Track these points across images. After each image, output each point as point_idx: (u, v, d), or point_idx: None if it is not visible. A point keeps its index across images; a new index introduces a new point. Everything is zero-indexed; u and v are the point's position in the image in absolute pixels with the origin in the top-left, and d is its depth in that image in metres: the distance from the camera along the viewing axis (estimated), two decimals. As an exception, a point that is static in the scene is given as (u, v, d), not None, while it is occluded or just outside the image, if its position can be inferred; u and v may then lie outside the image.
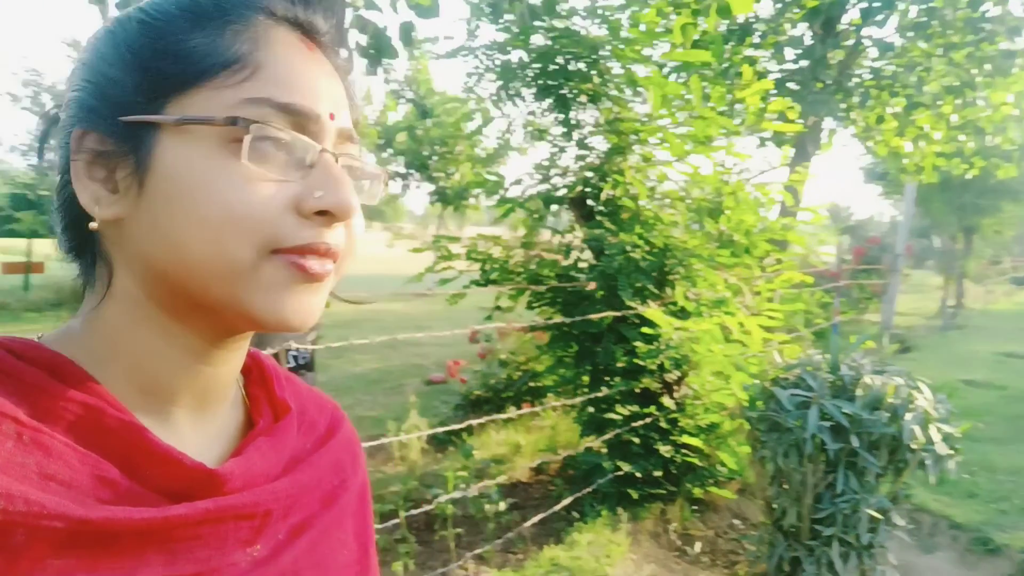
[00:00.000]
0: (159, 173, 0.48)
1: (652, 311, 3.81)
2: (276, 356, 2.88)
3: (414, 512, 3.11)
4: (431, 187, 18.03)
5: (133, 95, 0.49)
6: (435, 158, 17.01)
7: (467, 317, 6.21)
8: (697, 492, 4.06)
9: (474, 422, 3.45)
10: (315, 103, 0.51)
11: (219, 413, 0.58)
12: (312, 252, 0.49)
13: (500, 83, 4.35)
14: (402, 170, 18.54)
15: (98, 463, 0.47)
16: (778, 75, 8.04)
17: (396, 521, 3.17)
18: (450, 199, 17.08)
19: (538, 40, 4.01)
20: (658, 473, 3.96)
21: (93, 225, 0.49)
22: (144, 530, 0.47)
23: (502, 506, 3.56)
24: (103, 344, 0.52)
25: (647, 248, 4.04)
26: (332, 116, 0.52)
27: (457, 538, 3.49)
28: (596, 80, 3.93)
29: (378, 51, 3.52)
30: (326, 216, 0.50)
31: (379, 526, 2.82)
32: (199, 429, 0.56)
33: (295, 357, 2.96)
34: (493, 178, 4.72)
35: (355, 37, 3.53)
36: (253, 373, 0.63)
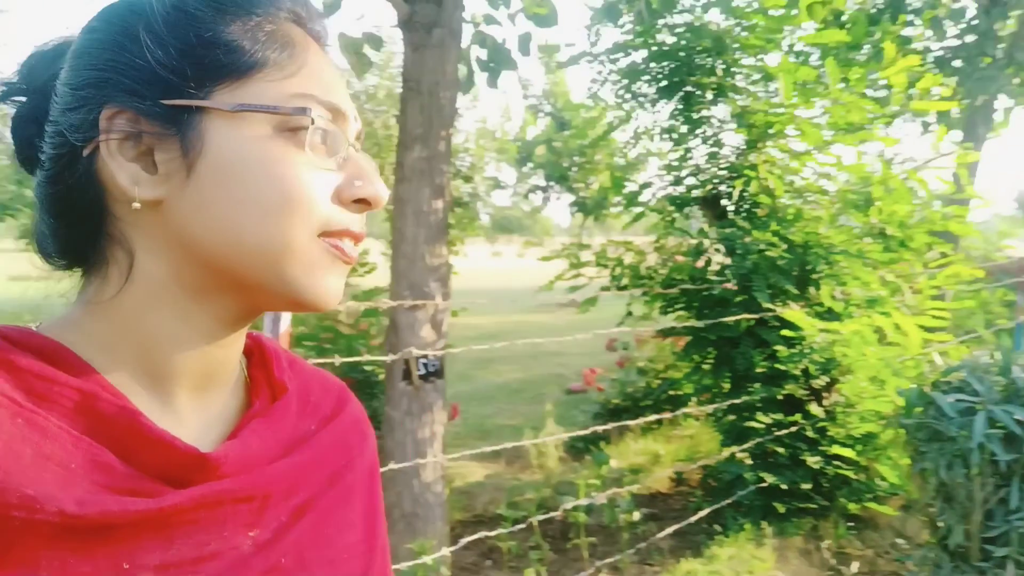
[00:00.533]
0: (213, 158, 0.50)
1: (792, 312, 3.58)
2: (406, 363, 2.98)
3: (545, 518, 3.11)
4: (572, 198, 18.07)
5: (179, 79, 0.50)
6: (574, 169, 17.06)
7: (607, 327, 6.15)
8: (853, 508, 3.75)
9: (608, 427, 3.40)
10: (345, 103, 0.55)
11: (221, 396, 0.58)
12: (350, 236, 0.54)
13: (624, 85, 4.29)
14: (542, 183, 18.74)
15: (93, 447, 0.47)
16: (939, 53, 7.35)
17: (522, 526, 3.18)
18: (590, 209, 17.04)
19: (661, 38, 3.92)
20: (807, 486, 3.70)
21: (136, 206, 0.50)
22: (139, 520, 0.47)
23: (636, 516, 3.46)
24: (113, 329, 0.52)
25: (784, 246, 3.81)
26: (356, 117, 0.57)
27: (592, 547, 3.44)
28: (721, 73, 3.77)
29: (497, 63, 3.58)
30: (361, 204, 0.54)
31: (511, 530, 2.83)
32: (199, 412, 0.56)
33: (424, 364, 3.04)
34: (631, 185, 4.64)
35: (475, 52, 3.62)
36: (255, 355, 0.63)
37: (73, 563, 0.44)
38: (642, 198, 4.55)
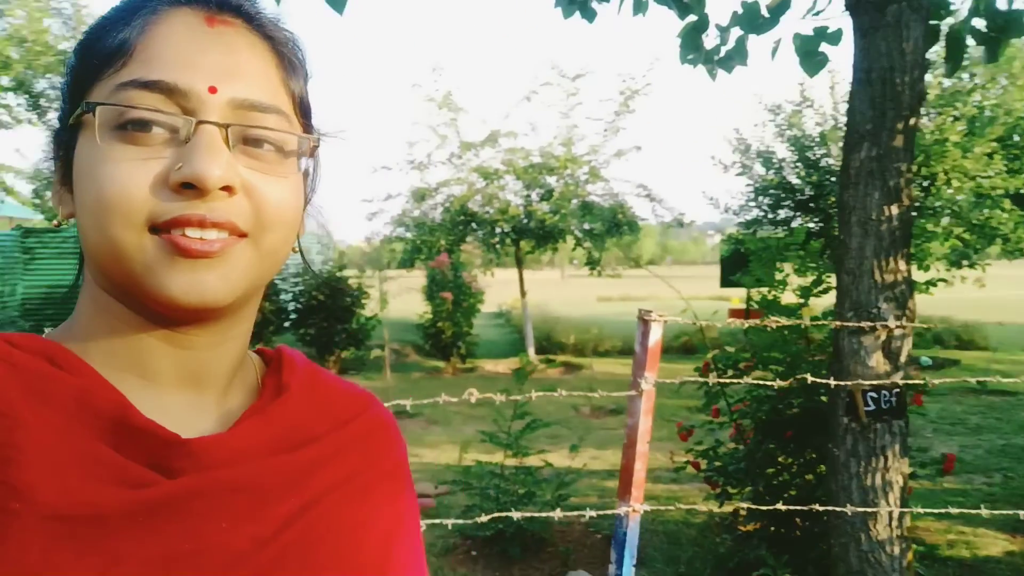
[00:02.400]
0: (73, 171, 0.53)
1: None
2: (850, 396, 2.60)
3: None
4: None
5: (67, 99, 0.55)
6: None
7: None
8: None
9: None
10: (188, 77, 0.50)
11: (218, 395, 0.58)
12: (183, 225, 0.49)
13: None
14: None
15: (86, 439, 0.49)
16: None
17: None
18: None
19: None
20: None
21: (54, 223, 0.56)
22: (130, 509, 0.47)
23: None
24: (88, 334, 0.55)
25: None
26: (214, 89, 0.51)
27: None
28: None
29: (1006, 30, 2.87)
30: (194, 188, 0.49)
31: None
32: (193, 410, 0.56)
33: (874, 399, 2.61)
34: None
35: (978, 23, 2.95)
36: (273, 363, 0.64)
37: (65, 554, 0.45)
38: None
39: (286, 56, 0.57)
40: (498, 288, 11.40)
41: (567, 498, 4.00)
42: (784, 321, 2.76)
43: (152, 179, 0.49)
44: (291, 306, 10.71)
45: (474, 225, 9.69)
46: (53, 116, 11.40)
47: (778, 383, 2.74)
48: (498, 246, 10.02)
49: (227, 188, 0.50)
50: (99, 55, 0.52)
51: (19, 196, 12.13)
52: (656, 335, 1.90)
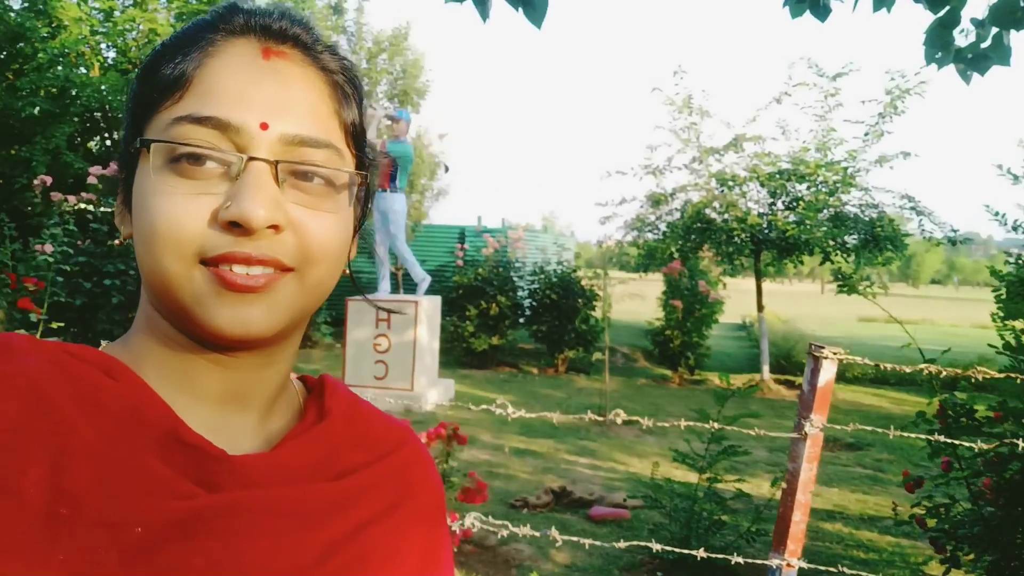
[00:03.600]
0: (133, 195, 0.55)
1: None
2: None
3: None
4: None
5: (130, 123, 0.57)
6: None
7: None
8: None
9: None
10: (240, 113, 0.52)
11: (268, 419, 0.60)
12: (231, 261, 0.51)
13: None
14: None
15: (138, 451, 0.50)
16: None
17: None
18: None
19: None
20: None
21: (117, 242, 0.69)
22: (171, 519, 0.48)
23: None
24: (141, 350, 0.57)
25: None
26: (265, 125, 0.52)
27: None
28: None
29: None
30: (239, 227, 0.50)
31: None
32: (241, 431, 0.58)
33: None
34: None
35: None
36: (316, 390, 0.66)
37: (109, 561, 0.45)
38: None
39: (340, 86, 0.58)
40: (742, 299, 10.83)
41: (764, 533, 3.72)
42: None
43: (204, 214, 0.51)
44: (527, 302, 11.17)
45: (710, 233, 9.32)
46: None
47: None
48: (734, 256, 9.53)
49: (273, 227, 0.51)
50: (158, 85, 0.53)
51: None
52: (828, 374, 1.69)
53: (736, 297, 11.59)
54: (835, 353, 1.68)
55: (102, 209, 7.78)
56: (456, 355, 10.94)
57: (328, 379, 0.67)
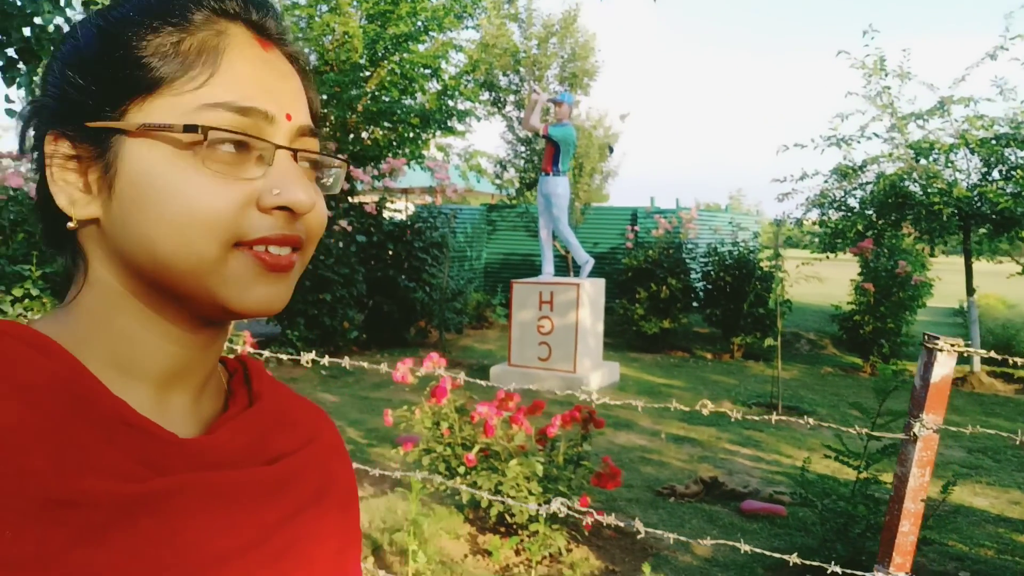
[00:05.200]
0: (126, 176, 0.51)
1: None
2: None
3: None
4: None
5: (97, 101, 0.52)
6: None
7: None
8: None
9: None
10: (270, 104, 0.54)
11: (200, 400, 0.61)
12: (268, 243, 0.53)
13: None
14: None
15: (82, 433, 0.49)
16: None
17: None
18: None
19: None
20: None
21: (71, 224, 0.54)
22: (122, 502, 0.48)
23: None
24: (83, 328, 0.55)
25: None
26: (289, 116, 0.55)
27: None
28: None
29: None
30: (285, 212, 0.54)
31: None
32: (176, 412, 0.58)
33: None
34: None
35: None
36: (239, 372, 0.67)
37: (57, 540, 0.45)
38: None
39: (306, 73, 0.61)
40: (961, 281, 9.68)
41: (930, 542, 3.34)
42: None
43: (240, 198, 0.52)
44: (700, 285, 10.77)
45: (908, 208, 8.37)
46: (510, 109, 13.47)
47: None
48: (936, 233, 8.49)
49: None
50: (155, 67, 0.51)
51: (491, 177, 14.49)
52: (944, 369, 1.47)
53: (952, 279, 10.35)
54: (953, 345, 1.46)
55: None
56: (627, 338, 10.82)
57: (250, 361, 0.69)
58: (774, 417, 2.36)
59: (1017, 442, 1.44)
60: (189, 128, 0.50)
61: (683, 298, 10.39)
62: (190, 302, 0.54)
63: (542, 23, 12.13)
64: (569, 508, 2.19)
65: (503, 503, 3.13)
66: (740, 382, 8.61)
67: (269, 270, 0.54)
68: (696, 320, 11.46)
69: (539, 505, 3.37)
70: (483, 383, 2.60)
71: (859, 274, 9.65)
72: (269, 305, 0.55)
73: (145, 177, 0.51)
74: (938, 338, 1.45)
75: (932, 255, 9.40)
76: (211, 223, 0.51)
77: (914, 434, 1.49)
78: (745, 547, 2.17)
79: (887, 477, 3.40)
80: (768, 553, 2.23)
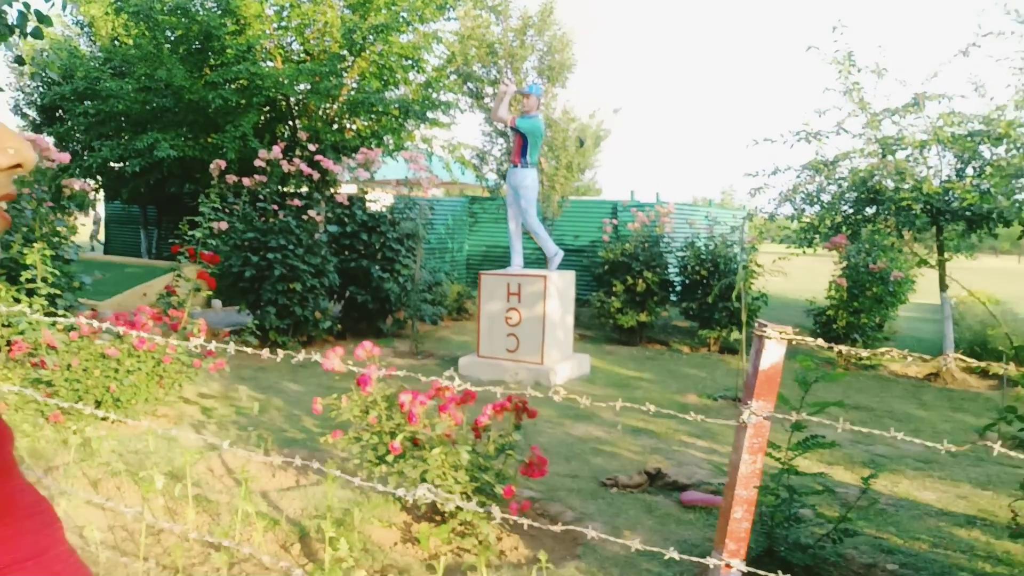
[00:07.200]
0: None
1: None
2: None
3: None
4: None
5: None
6: None
7: None
8: None
9: None
10: None
11: None
12: None
13: None
14: None
15: None
16: None
17: None
18: None
19: None
20: None
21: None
22: None
23: None
24: None
25: None
26: None
27: None
28: None
29: None
30: None
31: None
32: None
33: None
34: None
35: None
36: None
37: None
38: None
39: None
40: (958, 277, 9.63)
41: (852, 534, 3.35)
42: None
43: None
44: (677, 279, 10.78)
45: (879, 203, 8.36)
46: (488, 101, 13.52)
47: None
48: (902, 228, 8.48)
49: None
50: None
51: (475, 169, 14.51)
52: (773, 357, 1.48)
53: (933, 278, 10.34)
54: (782, 333, 1.47)
55: (267, 189, 8.57)
56: (605, 331, 10.82)
57: None
58: (693, 416, 2.38)
59: (839, 430, 1.45)
60: None
61: (660, 292, 10.40)
62: None
63: (519, 15, 12.11)
64: (446, 495, 2.19)
65: (414, 494, 3.14)
66: (710, 375, 8.62)
67: None
68: (675, 314, 11.47)
69: (463, 496, 3.39)
70: (447, 374, 2.64)
71: (842, 269, 9.65)
72: None
73: None
74: (767, 325, 1.46)
75: (901, 251, 9.38)
76: None
77: (743, 421, 1.50)
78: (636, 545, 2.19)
79: (810, 468, 3.42)
80: (653, 549, 2.24)
